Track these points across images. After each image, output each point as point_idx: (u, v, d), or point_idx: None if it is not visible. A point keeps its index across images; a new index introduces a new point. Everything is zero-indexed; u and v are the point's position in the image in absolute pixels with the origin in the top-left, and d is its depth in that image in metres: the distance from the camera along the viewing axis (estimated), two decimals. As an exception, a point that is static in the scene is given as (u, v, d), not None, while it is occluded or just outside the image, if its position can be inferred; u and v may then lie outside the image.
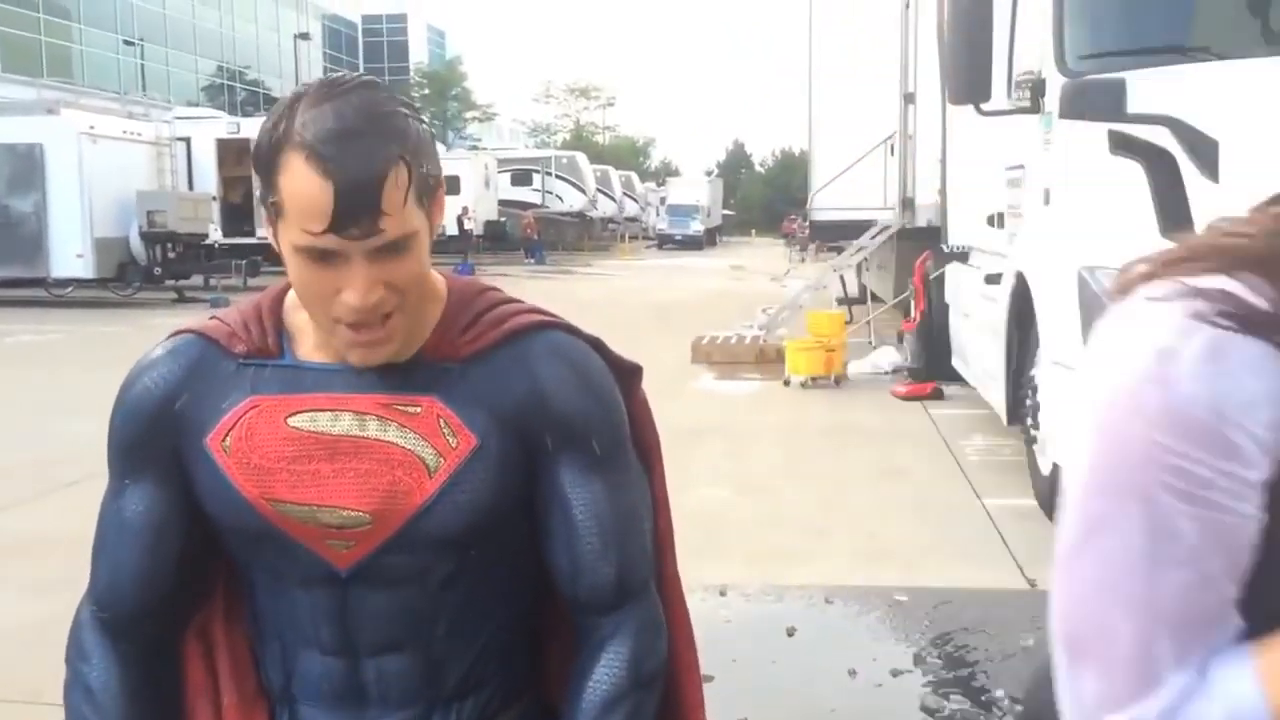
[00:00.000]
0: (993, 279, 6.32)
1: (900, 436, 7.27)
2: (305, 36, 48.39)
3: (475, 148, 44.09)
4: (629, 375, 1.28)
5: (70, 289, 17.93)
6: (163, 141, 18.80)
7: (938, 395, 8.54)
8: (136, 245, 17.11)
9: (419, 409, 1.14)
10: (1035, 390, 5.21)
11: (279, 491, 1.13)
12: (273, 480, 1.13)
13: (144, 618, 1.20)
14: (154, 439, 1.17)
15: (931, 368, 8.87)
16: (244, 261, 18.48)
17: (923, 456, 6.63)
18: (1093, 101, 4.58)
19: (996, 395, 6.17)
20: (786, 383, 9.44)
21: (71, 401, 8.84)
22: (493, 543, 1.18)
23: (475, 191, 30.48)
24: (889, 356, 10.10)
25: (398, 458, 1.13)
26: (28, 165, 16.49)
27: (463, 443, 1.14)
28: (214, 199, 19.64)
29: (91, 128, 16.74)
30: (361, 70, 1.28)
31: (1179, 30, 5.26)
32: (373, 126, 1.03)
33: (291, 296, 1.20)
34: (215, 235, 18.39)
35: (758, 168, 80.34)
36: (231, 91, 48.29)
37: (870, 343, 10.96)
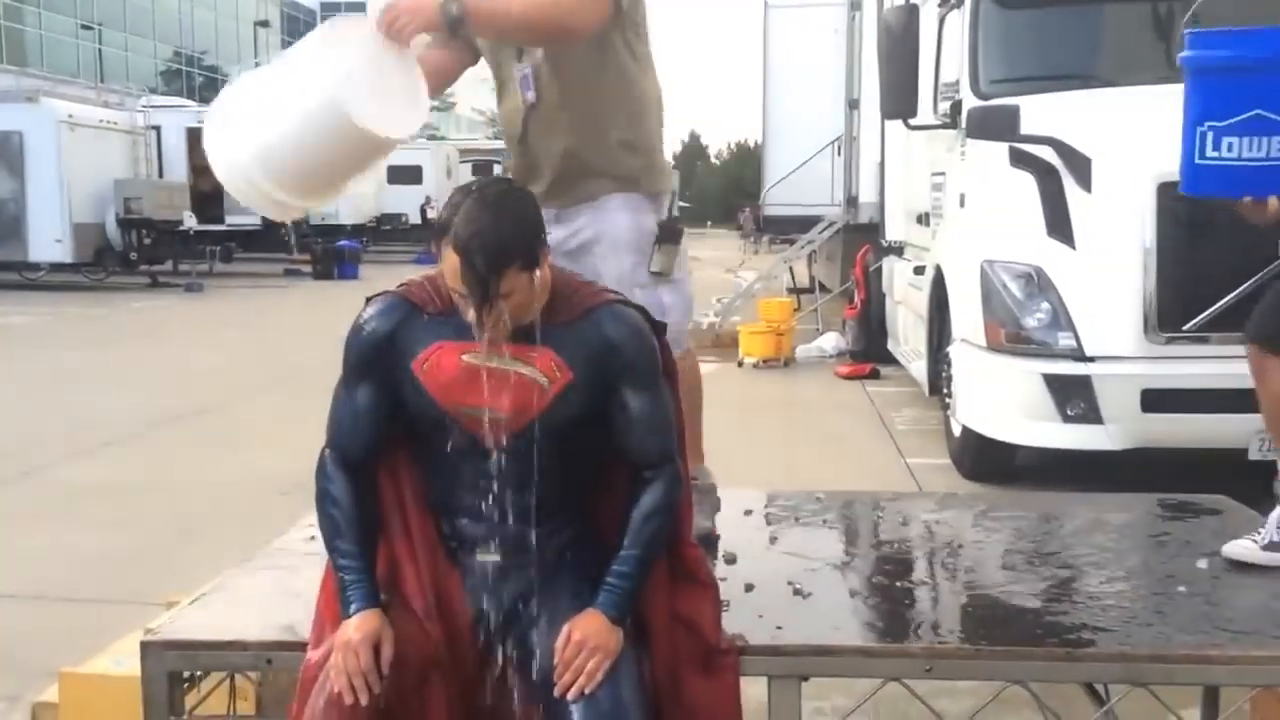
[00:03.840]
0: (919, 270, 7.23)
1: (840, 410, 8.20)
2: (265, 24, 48.57)
3: (434, 137, 44.38)
4: (658, 329, 2.09)
5: (43, 272, 18.39)
6: (138, 130, 19.31)
7: (875, 375, 9.48)
8: (113, 231, 17.64)
9: (537, 354, 1.95)
10: (950, 364, 6.11)
11: (457, 398, 1.94)
12: (452, 392, 1.94)
13: (360, 458, 2.01)
14: (376, 359, 1.97)
15: (870, 351, 9.82)
16: (217, 247, 19.05)
17: (859, 426, 7.56)
18: (994, 123, 5.48)
19: (920, 370, 7.07)
20: (740, 364, 10.32)
21: (85, 376, 9.54)
22: (579, 435, 1.99)
23: (437, 181, 30.92)
24: (833, 341, 10.99)
25: (527, 382, 1.94)
26: (7, 152, 16.96)
27: (564, 375, 1.94)
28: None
29: (70, 116, 17.25)
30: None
31: (1075, 59, 6.20)
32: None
33: None
34: (190, 222, 18.92)
35: (713, 160, 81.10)
36: (189, 77, 48.24)
37: (817, 328, 11.89)
